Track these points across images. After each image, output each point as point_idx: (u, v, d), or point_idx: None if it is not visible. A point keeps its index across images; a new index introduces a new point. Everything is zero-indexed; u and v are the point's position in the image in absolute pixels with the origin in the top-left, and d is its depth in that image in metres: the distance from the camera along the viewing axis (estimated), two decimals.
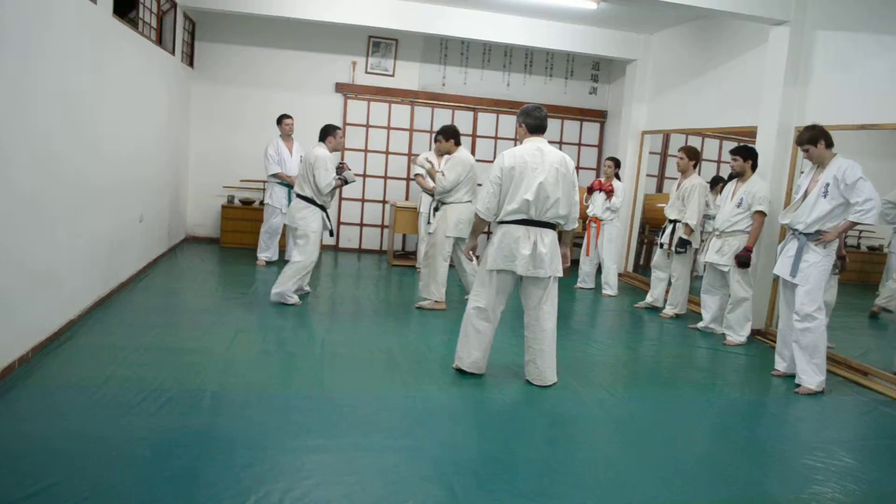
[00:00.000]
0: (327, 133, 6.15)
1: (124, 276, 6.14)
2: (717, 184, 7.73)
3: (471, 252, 4.74)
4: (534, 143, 4.29)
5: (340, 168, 6.24)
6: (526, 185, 4.15)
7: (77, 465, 2.88)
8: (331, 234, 6.37)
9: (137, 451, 3.05)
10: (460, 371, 4.47)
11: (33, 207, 4.04)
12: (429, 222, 8.13)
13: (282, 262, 8.01)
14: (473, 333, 4.40)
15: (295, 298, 5.99)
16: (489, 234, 4.80)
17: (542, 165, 4.18)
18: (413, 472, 3.11)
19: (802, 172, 5.06)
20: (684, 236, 6.50)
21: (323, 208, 6.09)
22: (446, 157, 6.39)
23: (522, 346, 4.55)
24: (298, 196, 6.06)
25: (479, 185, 5.99)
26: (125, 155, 5.94)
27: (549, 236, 4.28)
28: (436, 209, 6.50)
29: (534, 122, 4.33)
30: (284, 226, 8.16)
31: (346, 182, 6.22)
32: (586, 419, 3.99)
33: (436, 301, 6.34)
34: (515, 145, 4.53)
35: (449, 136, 6.35)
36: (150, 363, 4.21)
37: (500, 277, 4.32)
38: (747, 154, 5.81)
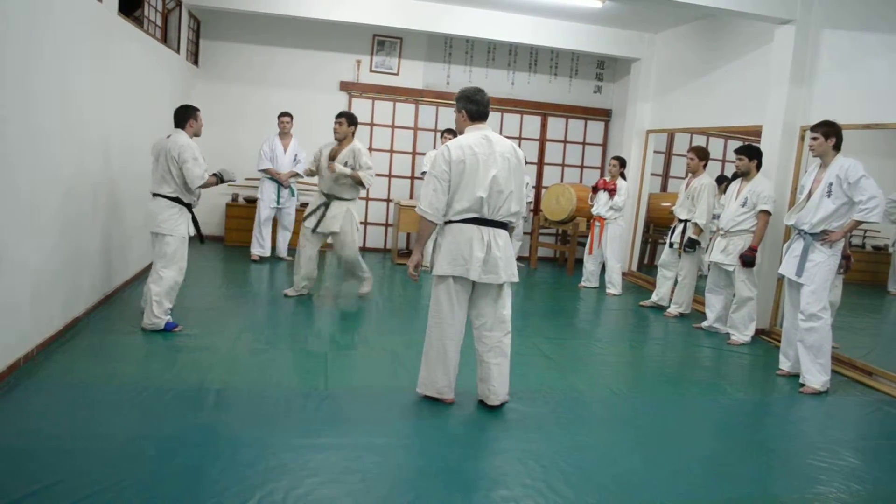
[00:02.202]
0: (187, 115, 5.02)
1: (129, 275, 6.16)
2: (720, 183, 7.72)
3: (413, 271, 3.92)
4: (479, 132, 3.78)
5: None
6: (478, 180, 3.66)
7: (82, 462, 2.89)
8: (201, 241, 5.24)
9: (142, 449, 3.06)
10: (428, 398, 3.98)
11: (37, 206, 4.05)
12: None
13: (273, 258, 8.04)
14: (438, 355, 3.89)
15: (165, 319, 4.86)
16: None
17: (492, 156, 3.70)
18: (416, 471, 3.11)
19: (806, 171, 5.06)
20: (693, 236, 6.50)
21: (190, 208, 5.01)
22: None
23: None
24: (159, 196, 4.87)
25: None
26: (129, 153, 5.94)
27: (503, 237, 3.81)
28: (325, 204, 6.12)
29: (476, 108, 3.80)
30: (274, 220, 8.17)
31: (222, 180, 5.17)
32: (590, 418, 3.98)
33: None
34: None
35: (352, 122, 6.11)
36: (155, 361, 4.22)
37: (454, 284, 3.80)
38: (752, 153, 5.81)
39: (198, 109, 5.14)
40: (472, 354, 4.01)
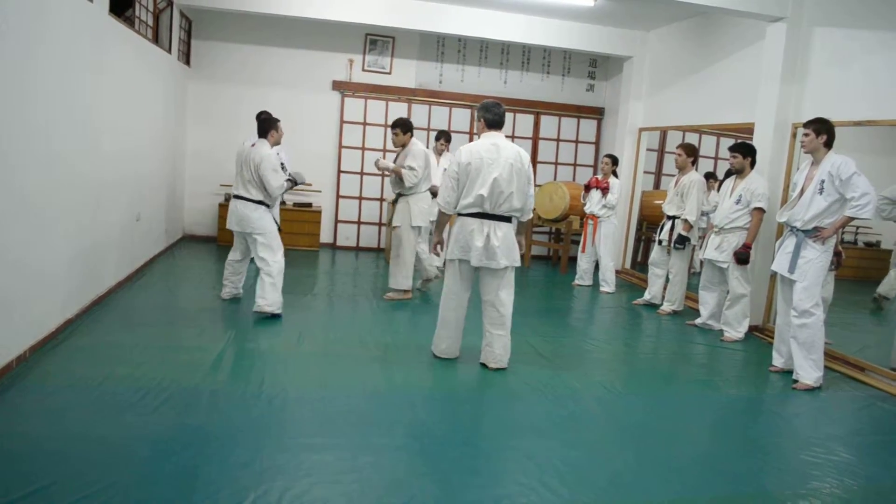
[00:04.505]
0: (269, 126, 5.59)
1: (122, 275, 6.13)
2: (708, 179, 7.75)
3: (438, 247, 4.80)
4: (490, 139, 4.42)
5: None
6: (481, 180, 4.31)
7: (75, 464, 2.88)
8: (279, 230, 5.73)
9: (136, 450, 3.05)
10: (437, 358, 4.73)
11: (31, 206, 4.03)
12: (430, 220, 8.18)
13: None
14: (441, 322, 4.69)
15: (281, 300, 5.51)
16: None
17: (497, 161, 4.32)
18: (411, 470, 3.11)
19: (798, 169, 5.08)
20: (683, 232, 6.51)
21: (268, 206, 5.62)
22: (404, 150, 6.44)
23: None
24: (243, 199, 5.49)
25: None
26: (122, 154, 5.93)
27: (503, 229, 4.43)
28: (394, 202, 6.61)
29: (493, 117, 4.45)
30: None
31: (296, 183, 5.77)
32: (584, 416, 3.99)
33: (404, 291, 6.50)
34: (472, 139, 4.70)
35: (406, 130, 6.42)
36: (148, 362, 4.20)
37: (460, 266, 4.53)
38: (747, 151, 5.81)
39: (278, 120, 5.68)
40: (466, 349, 4.00)
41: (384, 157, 9.44)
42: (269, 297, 5.42)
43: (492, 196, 4.33)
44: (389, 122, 9.33)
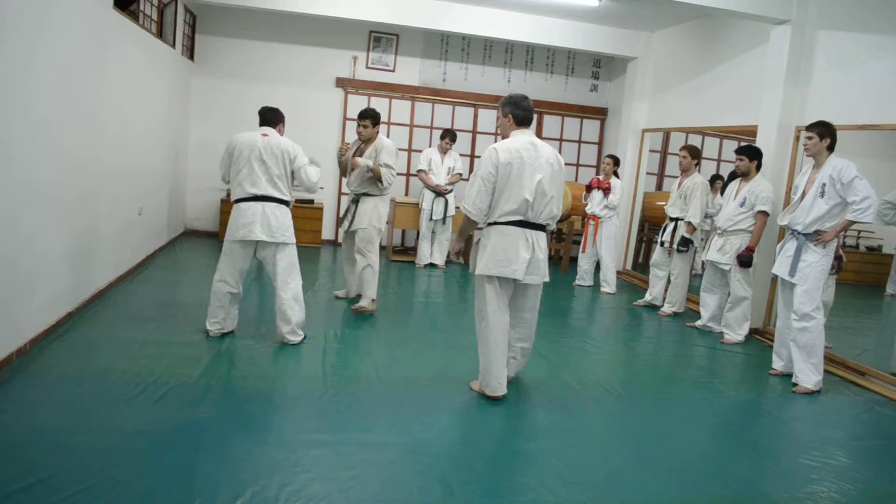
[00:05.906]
0: (280, 118, 4.82)
1: (123, 269, 6.14)
2: (714, 182, 7.75)
3: (457, 255, 4.27)
4: (525, 137, 3.91)
5: None
6: (525, 183, 3.79)
7: (75, 457, 2.88)
8: None
9: (135, 444, 3.06)
10: (490, 398, 4.04)
11: (32, 199, 4.03)
12: (432, 218, 8.19)
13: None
14: (495, 351, 3.97)
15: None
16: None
17: (538, 161, 3.83)
18: (410, 468, 3.11)
19: (800, 172, 5.07)
20: (687, 235, 6.51)
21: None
22: (377, 144, 5.72)
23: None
24: (275, 200, 4.62)
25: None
26: (125, 148, 5.93)
27: (543, 239, 3.98)
28: (355, 201, 5.87)
29: (522, 112, 3.93)
30: None
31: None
32: (583, 416, 3.99)
33: (372, 300, 5.81)
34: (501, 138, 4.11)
35: (376, 122, 5.76)
36: (149, 356, 4.21)
37: (500, 285, 3.95)
38: (752, 154, 5.81)
39: (283, 115, 4.92)
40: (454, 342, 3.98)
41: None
42: (298, 330, 4.80)
43: (535, 201, 3.82)
44: (393, 120, 9.41)
